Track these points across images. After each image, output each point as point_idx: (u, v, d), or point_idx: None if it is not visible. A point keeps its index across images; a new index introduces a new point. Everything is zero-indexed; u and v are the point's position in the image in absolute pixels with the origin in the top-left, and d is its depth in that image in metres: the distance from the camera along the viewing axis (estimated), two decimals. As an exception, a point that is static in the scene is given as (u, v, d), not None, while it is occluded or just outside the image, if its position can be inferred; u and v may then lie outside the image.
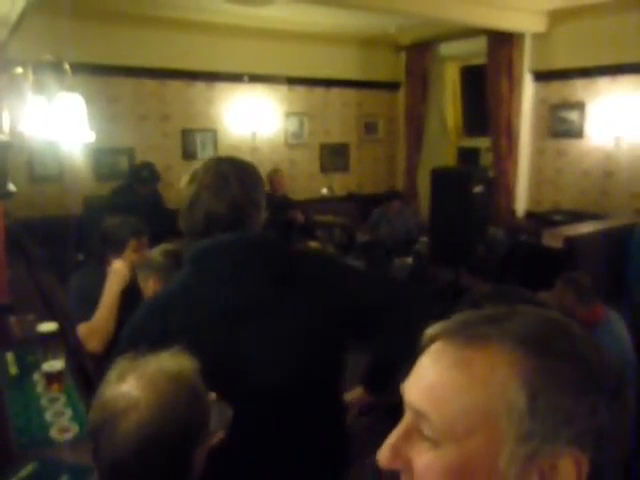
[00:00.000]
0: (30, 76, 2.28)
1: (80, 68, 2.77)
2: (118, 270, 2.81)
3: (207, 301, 1.53)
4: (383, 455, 0.66)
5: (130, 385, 1.16)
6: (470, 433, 0.61)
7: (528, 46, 6.15)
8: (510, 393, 0.61)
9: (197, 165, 1.65)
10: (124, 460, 1.12)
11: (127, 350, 1.27)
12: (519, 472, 0.60)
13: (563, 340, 0.63)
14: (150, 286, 2.49)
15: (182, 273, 1.62)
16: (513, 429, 0.60)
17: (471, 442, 0.61)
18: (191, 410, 1.19)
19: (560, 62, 5.95)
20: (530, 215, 6.30)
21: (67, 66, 2.09)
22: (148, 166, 5.36)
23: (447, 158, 7.41)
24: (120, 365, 1.21)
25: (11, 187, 1.87)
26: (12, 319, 3.03)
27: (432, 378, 0.65)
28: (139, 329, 1.58)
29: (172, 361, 1.23)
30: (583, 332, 0.66)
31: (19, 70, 2.58)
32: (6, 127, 2.56)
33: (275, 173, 6.18)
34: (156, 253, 2.52)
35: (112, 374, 1.20)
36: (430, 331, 0.68)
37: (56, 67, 2.21)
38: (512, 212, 6.33)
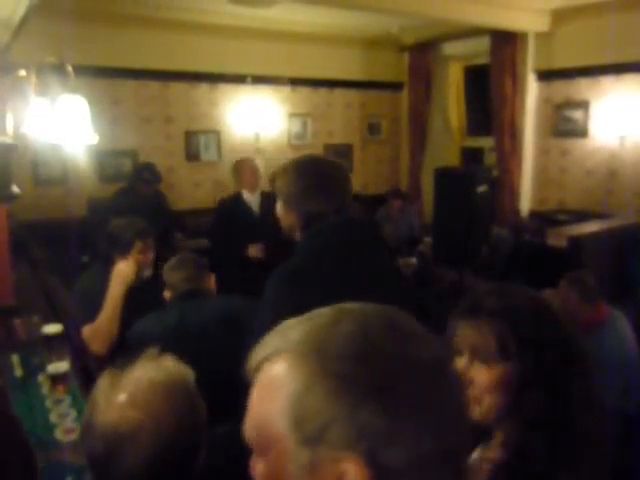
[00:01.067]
0: (33, 78, 2.28)
1: (83, 70, 2.77)
2: (121, 271, 2.82)
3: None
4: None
5: (124, 407, 1.13)
6: (268, 447, 0.63)
7: (531, 45, 6.14)
8: (283, 402, 0.61)
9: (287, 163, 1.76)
10: (142, 477, 1.11)
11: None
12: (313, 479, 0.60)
13: (335, 343, 0.62)
14: (166, 293, 2.57)
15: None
16: (293, 435, 0.60)
17: (271, 455, 0.63)
18: (190, 417, 1.19)
19: (564, 61, 5.93)
20: (534, 214, 6.29)
21: (70, 68, 2.10)
22: (149, 166, 5.37)
23: (451, 158, 7.40)
24: (105, 384, 1.18)
25: (15, 189, 1.87)
26: (17, 321, 3.04)
27: (250, 400, 0.67)
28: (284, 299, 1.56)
29: (159, 370, 1.21)
30: (384, 328, 0.64)
31: (22, 72, 2.59)
32: (10, 129, 2.57)
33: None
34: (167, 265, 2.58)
35: (99, 395, 1.17)
36: (253, 358, 0.68)
37: (59, 69, 2.22)
38: (516, 212, 6.32)
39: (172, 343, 1.42)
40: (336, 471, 0.59)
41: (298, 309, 0.73)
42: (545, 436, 1.00)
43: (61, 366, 2.42)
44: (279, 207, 1.76)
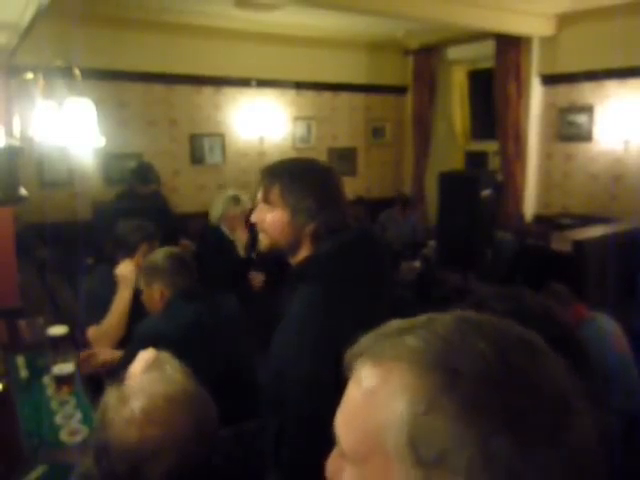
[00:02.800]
0: (41, 81, 2.30)
1: (89, 73, 2.79)
2: (125, 276, 2.82)
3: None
4: (326, 470, 0.66)
5: (143, 425, 1.12)
6: (368, 457, 0.59)
7: (536, 50, 6.14)
8: (399, 417, 0.57)
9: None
10: None
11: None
12: None
13: (467, 361, 0.56)
14: (156, 292, 2.44)
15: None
16: (406, 453, 0.56)
17: (370, 466, 0.59)
18: (206, 426, 1.19)
19: (568, 65, 5.93)
20: (538, 219, 6.28)
21: (78, 71, 2.11)
22: (145, 166, 5.38)
23: (455, 162, 7.40)
24: (113, 399, 1.17)
25: (23, 192, 1.88)
26: (22, 323, 3.06)
27: (344, 399, 0.64)
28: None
29: (170, 383, 1.20)
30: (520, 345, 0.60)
31: (29, 76, 2.61)
32: (16, 132, 2.59)
33: None
34: (159, 256, 2.48)
35: (110, 413, 1.15)
36: (352, 350, 0.64)
37: (67, 72, 2.23)
38: (520, 216, 6.32)
39: (188, 344, 1.40)
40: None
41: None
42: None
43: (66, 367, 2.43)
44: (279, 221, 1.54)
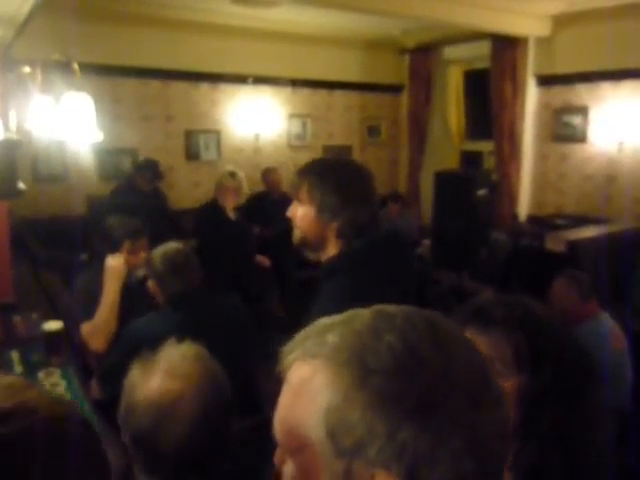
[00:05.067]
0: (38, 75, 2.29)
1: (84, 68, 2.78)
2: (112, 267, 2.81)
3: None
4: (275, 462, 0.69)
5: (164, 380, 1.21)
6: (298, 449, 0.63)
7: (532, 50, 6.15)
8: (318, 410, 0.60)
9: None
10: (189, 445, 1.17)
11: None
12: None
13: (376, 355, 0.59)
14: (151, 287, 2.52)
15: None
16: (327, 445, 0.59)
17: (302, 457, 0.62)
18: (222, 383, 1.27)
19: (563, 66, 5.95)
20: (532, 219, 6.31)
21: (76, 66, 2.10)
22: (152, 164, 5.36)
23: (450, 161, 7.41)
24: (136, 372, 1.26)
25: (21, 185, 1.88)
26: (16, 318, 3.04)
27: (280, 398, 0.67)
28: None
29: (183, 348, 1.30)
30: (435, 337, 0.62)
31: (26, 69, 2.59)
32: (13, 126, 2.57)
33: (269, 172, 6.07)
34: (156, 256, 2.51)
35: (134, 380, 1.24)
36: (285, 348, 0.68)
37: (64, 66, 2.22)
38: (514, 216, 6.34)
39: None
40: None
41: None
42: (563, 453, 0.99)
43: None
44: (307, 216, 1.61)
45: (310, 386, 0.62)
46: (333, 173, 1.60)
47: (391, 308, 0.66)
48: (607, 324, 2.86)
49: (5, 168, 1.74)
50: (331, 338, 0.63)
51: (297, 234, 1.66)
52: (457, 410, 0.58)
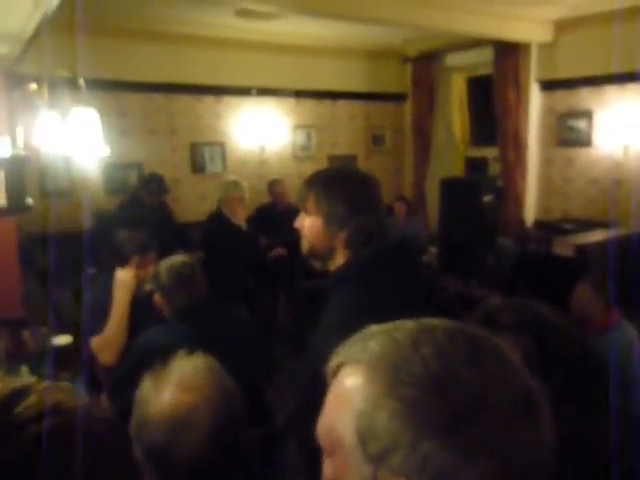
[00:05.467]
0: (45, 92, 2.31)
1: (89, 83, 2.80)
2: (123, 281, 2.83)
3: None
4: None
5: (177, 393, 1.21)
6: (335, 450, 0.65)
7: (534, 56, 6.16)
8: (351, 415, 0.62)
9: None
10: (203, 458, 1.18)
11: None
12: None
13: (410, 366, 0.60)
14: (157, 300, 2.52)
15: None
16: (357, 450, 0.61)
17: (336, 459, 0.65)
18: (233, 396, 1.27)
19: (567, 71, 5.96)
20: (539, 224, 6.29)
21: (82, 82, 2.12)
22: (157, 178, 5.40)
23: (454, 168, 7.42)
24: (147, 384, 1.26)
25: (29, 201, 1.89)
26: (26, 332, 3.06)
27: (326, 399, 0.69)
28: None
29: (198, 358, 1.31)
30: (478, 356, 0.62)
31: (33, 86, 2.62)
32: (20, 142, 2.60)
33: (275, 184, 6.09)
34: (163, 269, 2.52)
35: (145, 394, 1.24)
36: (332, 360, 0.69)
37: (71, 82, 2.24)
38: (521, 221, 6.32)
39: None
40: None
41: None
42: (576, 455, 0.99)
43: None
44: (315, 227, 1.61)
45: (347, 390, 0.64)
46: (339, 183, 1.61)
47: (435, 322, 0.67)
48: (631, 332, 2.84)
49: (14, 184, 1.75)
50: (373, 345, 0.65)
51: (305, 245, 1.67)
52: (487, 431, 0.58)
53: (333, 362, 0.68)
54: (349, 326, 1.45)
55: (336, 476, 0.65)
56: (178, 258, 2.59)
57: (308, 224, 1.63)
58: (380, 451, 0.59)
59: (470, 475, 0.57)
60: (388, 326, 0.68)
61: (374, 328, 0.68)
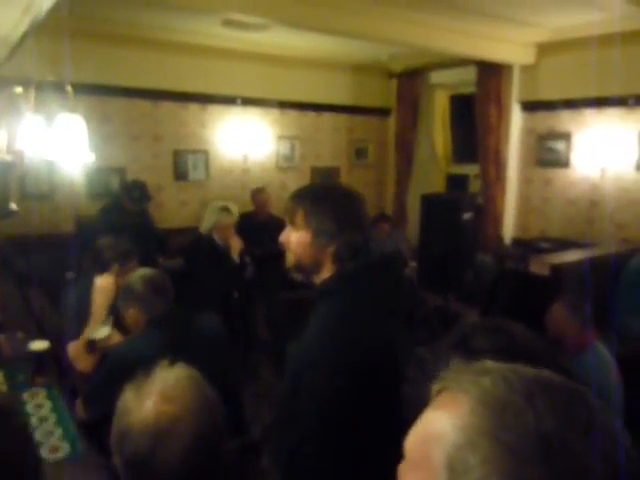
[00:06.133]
0: (32, 96, 2.31)
1: (74, 87, 2.79)
2: (103, 287, 2.82)
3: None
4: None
5: (159, 404, 1.21)
6: (418, 464, 0.65)
7: (516, 77, 6.28)
8: (446, 439, 0.62)
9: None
10: (185, 469, 1.18)
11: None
12: None
13: (520, 417, 0.59)
14: (131, 315, 2.47)
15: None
16: (444, 474, 0.61)
17: (419, 474, 0.65)
18: (215, 406, 1.28)
19: (547, 93, 6.08)
20: (517, 242, 6.38)
21: (70, 87, 2.12)
22: (139, 185, 5.37)
23: (436, 184, 7.50)
24: (129, 394, 1.25)
25: (13, 206, 1.88)
26: (2, 337, 3.02)
27: (424, 412, 0.70)
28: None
29: (176, 370, 1.30)
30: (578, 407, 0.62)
31: (19, 90, 2.61)
32: (3, 145, 2.58)
33: (258, 192, 6.07)
34: (135, 280, 2.49)
35: (127, 404, 1.23)
36: (437, 382, 0.71)
37: (58, 87, 2.25)
38: (499, 238, 6.41)
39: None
40: None
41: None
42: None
43: (103, 331, 2.44)
44: (303, 242, 1.62)
45: (448, 413, 0.64)
46: (328, 198, 1.63)
47: (556, 377, 0.66)
48: (606, 353, 2.88)
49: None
50: (486, 381, 0.64)
51: (291, 258, 1.67)
52: None
53: (439, 383, 0.69)
54: (333, 339, 1.48)
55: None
56: (146, 269, 2.59)
57: (295, 238, 1.64)
58: None
59: None
60: (506, 367, 0.67)
61: (490, 364, 0.68)
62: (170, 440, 1.17)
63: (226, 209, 4.56)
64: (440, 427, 0.64)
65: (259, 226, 5.49)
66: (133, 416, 1.20)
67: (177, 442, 1.17)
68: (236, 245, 4.53)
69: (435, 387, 0.70)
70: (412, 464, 0.67)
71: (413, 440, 0.68)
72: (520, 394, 0.61)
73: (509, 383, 0.63)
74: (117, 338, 2.61)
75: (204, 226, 4.57)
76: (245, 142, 6.82)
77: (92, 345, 2.43)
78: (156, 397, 1.21)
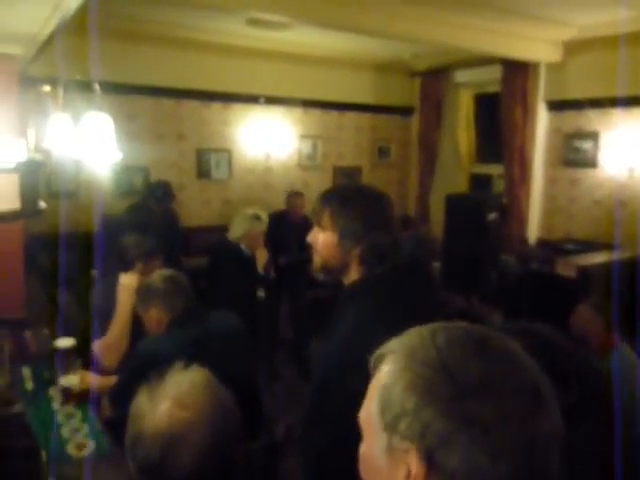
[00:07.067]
0: (60, 94, 2.32)
1: (100, 85, 2.81)
2: (127, 285, 2.84)
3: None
4: None
5: (172, 409, 1.19)
6: (366, 429, 0.75)
7: (543, 76, 6.19)
8: (377, 391, 0.73)
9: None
10: (198, 475, 1.17)
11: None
12: (389, 463, 0.71)
13: (426, 350, 0.71)
14: (153, 316, 2.46)
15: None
16: (378, 419, 0.72)
17: (368, 437, 0.75)
18: (230, 411, 1.26)
19: (574, 92, 5.98)
20: (542, 243, 6.29)
21: (97, 86, 2.13)
22: (163, 185, 5.40)
23: (459, 184, 7.43)
24: (143, 398, 1.25)
25: (42, 205, 1.90)
26: (28, 333, 3.06)
27: None
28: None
29: (195, 374, 1.29)
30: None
31: (46, 88, 2.63)
32: (31, 144, 2.60)
33: (296, 197, 5.59)
34: (155, 280, 2.50)
35: (141, 408, 1.23)
36: (379, 352, 0.79)
37: (84, 86, 2.26)
38: (524, 240, 6.33)
39: (186, 361, 1.42)
40: (405, 460, 0.68)
41: (375, 349, 0.80)
42: (599, 470, 1.00)
43: (73, 379, 2.43)
44: (329, 243, 1.61)
45: (381, 374, 0.75)
46: (355, 200, 1.61)
47: (459, 323, 0.78)
48: (632, 356, 2.83)
49: (29, 188, 1.76)
50: (405, 338, 0.76)
51: (317, 260, 1.66)
52: (485, 411, 0.65)
53: (376, 354, 0.78)
54: (361, 340, 1.46)
55: (365, 450, 0.76)
56: (165, 270, 2.59)
57: (322, 239, 1.63)
58: (392, 419, 0.69)
59: (461, 444, 0.65)
60: (427, 326, 0.78)
61: (414, 329, 0.78)
62: (183, 447, 1.16)
63: (257, 217, 4.38)
64: (376, 387, 0.74)
65: (289, 227, 5.33)
66: (146, 421, 1.19)
67: (190, 449, 1.16)
68: (262, 257, 4.40)
69: (373, 361, 0.79)
70: (364, 432, 0.76)
71: (362, 413, 0.77)
72: (426, 338, 0.73)
73: (419, 333, 0.75)
74: (89, 378, 2.56)
75: (234, 234, 4.37)
76: (268, 141, 6.83)
77: (68, 394, 2.42)
78: (170, 402, 1.20)
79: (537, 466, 0.67)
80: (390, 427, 0.69)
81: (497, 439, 0.65)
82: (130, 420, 1.25)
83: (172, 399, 1.21)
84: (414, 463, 0.67)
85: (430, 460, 0.66)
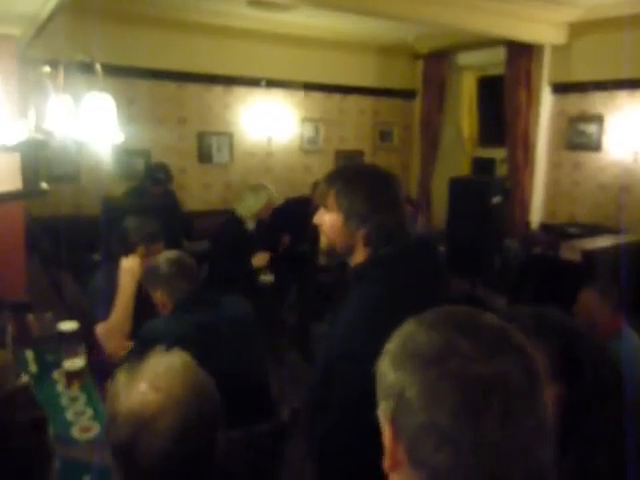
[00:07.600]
0: (60, 75, 2.28)
1: (100, 69, 2.78)
2: (129, 268, 2.82)
3: None
4: None
5: (146, 392, 1.17)
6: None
7: (547, 58, 6.13)
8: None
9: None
10: (168, 460, 1.14)
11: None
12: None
13: (418, 331, 0.80)
14: (159, 298, 2.48)
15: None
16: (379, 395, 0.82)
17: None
18: (209, 401, 1.23)
19: (579, 75, 5.92)
20: (545, 227, 6.27)
21: (98, 66, 2.09)
22: (162, 167, 5.37)
23: (462, 168, 7.39)
24: (122, 377, 1.23)
25: (44, 186, 1.87)
26: (30, 317, 3.04)
27: None
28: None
29: (174, 357, 1.27)
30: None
31: (47, 69, 2.59)
32: (31, 125, 2.56)
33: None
34: (161, 262, 2.50)
35: (118, 387, 1.22)
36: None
37: (86, 67, 2.22)
38: (527, 224, 6.30)
39: (191, 344, 1.41)
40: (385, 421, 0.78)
41: (390, 332, 0.81)
42: (607, 453, 0.99)
43: (77, 362, 2.42)
44: (335, 224, 1.60)
45: None
46: (361, 180, 1.59)
47: (451, 307, 0.84)
48: (637, 340, 2.82)
49: (31, 168, 1.73)
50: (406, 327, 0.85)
51: (324, 241, 1.66)
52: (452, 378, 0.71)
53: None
54: (369, 323, 1.44)
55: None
56: (172, 252, 2.59)
57: (328, 220, 1.62)
58: (382, 390, 0.79)
59: (423, 410, 0.71)
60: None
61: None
62: (152, 430, 1.13)
63: (266, 186, 4.68)
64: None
65: (310, 214, 5.30)
66: (120, 402, 1.18)
67: (160, 433, 1.13)
68: (260, 264, 4.46)
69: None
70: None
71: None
72: (421, 319, 0.82)
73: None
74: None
75: (252, 209, 4.50)
76: (269, 124, 6.78)
77: (71, 377, 2.41)
78: (144, 384, 1.18)
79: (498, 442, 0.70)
80: (382, 398, 0.79)
81: (452, 415, 0.70)
82: (107, 399, 1.25)
83: (147, 381, 1.19)
84: (386, 426, 0.77)
85: (394, 421, 0.75)
